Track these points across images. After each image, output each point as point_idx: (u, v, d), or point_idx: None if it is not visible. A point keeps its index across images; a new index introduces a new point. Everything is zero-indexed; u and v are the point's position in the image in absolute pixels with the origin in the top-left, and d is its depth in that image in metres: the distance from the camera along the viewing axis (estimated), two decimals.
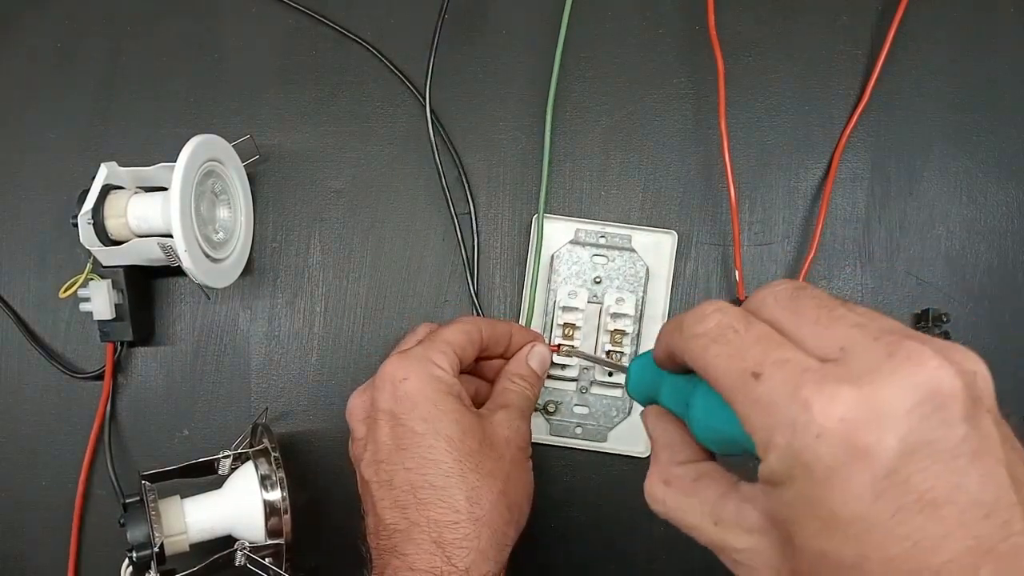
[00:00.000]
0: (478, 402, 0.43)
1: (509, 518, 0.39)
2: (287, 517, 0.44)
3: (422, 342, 0.41)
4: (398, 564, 0.37)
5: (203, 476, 0.46)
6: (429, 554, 0.36)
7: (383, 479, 0.39)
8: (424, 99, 0.51)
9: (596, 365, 0.49)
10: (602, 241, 0.50)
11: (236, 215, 0.49)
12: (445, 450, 0.38)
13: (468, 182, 0.52)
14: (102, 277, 0.47)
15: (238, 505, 0.44)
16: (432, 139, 0.51)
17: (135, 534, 0.42)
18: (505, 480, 0.39)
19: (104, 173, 0.45)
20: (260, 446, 0.46)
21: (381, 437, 0.39)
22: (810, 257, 0.50)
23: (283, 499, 0.44)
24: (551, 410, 0.50)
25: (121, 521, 0.43)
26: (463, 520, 0.37)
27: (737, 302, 0.50)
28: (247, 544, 0.44)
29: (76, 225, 0.45)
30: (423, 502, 0.37)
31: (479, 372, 0.46)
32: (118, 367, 0.51)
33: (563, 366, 0.49)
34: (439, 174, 0.51)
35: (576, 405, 0.50)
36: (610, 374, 0.49)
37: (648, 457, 0.35)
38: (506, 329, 0.45)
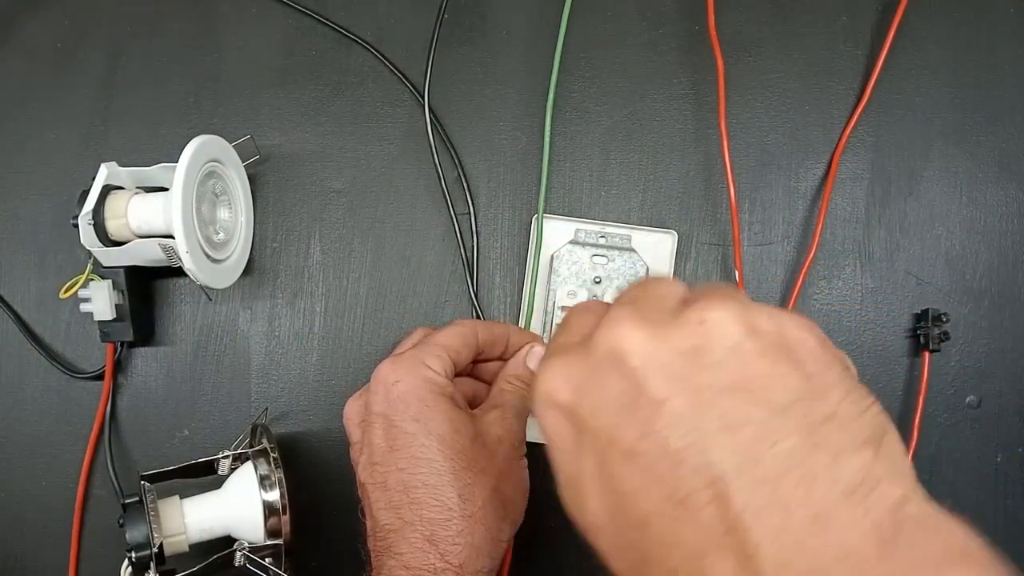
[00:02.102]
0: (477, 404, 0.43)
1: (503, 514, 0.39)
2: (286, 517, 0.44)
3: (416, 345, 0.42)
4: (393, 564, 0.37)
5: (203, 476, 0.46)
6: (423, 552, 0.37)
7: (378, 481, 0.39)
8: (424, 99, 0.51)
9: None
10: (602, 241, 0.50)
11: (236, 216, 0.49)
12: (437, 449, 0.38)
13: (468, 182, 0.52)
14: (102, 277, 0.47)
15: (237, 505, 0.44)
16: (432, 139, 0.51)
17: (134, 534, 0.42)
18: (498, 477, 0.39)
19: (104, 173, 0.45)
20: (259, 446, 0.46)
21: (375, 440, 0.39)
22: (810, 257, 0.50)
23: (282, 499, 0.44)
24: None
25: (120, 521, 0.43)
26: (456, 517, 0.37)
27: None
28: (246, 544, 0.44)
29: (76, 226, 0.45)
30: (416, 501, 0.38)
31: (478, 375, 0.46)
32: (118, 367, 0.51)
33: None
34: (439, 174, 0.51)
35: None
36: None
37: None
38: (503, 331, 0.45)
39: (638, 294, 0.29)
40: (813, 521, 0.21)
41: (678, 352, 0.25)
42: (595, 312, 0.30)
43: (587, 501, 0.27)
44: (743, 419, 0.23)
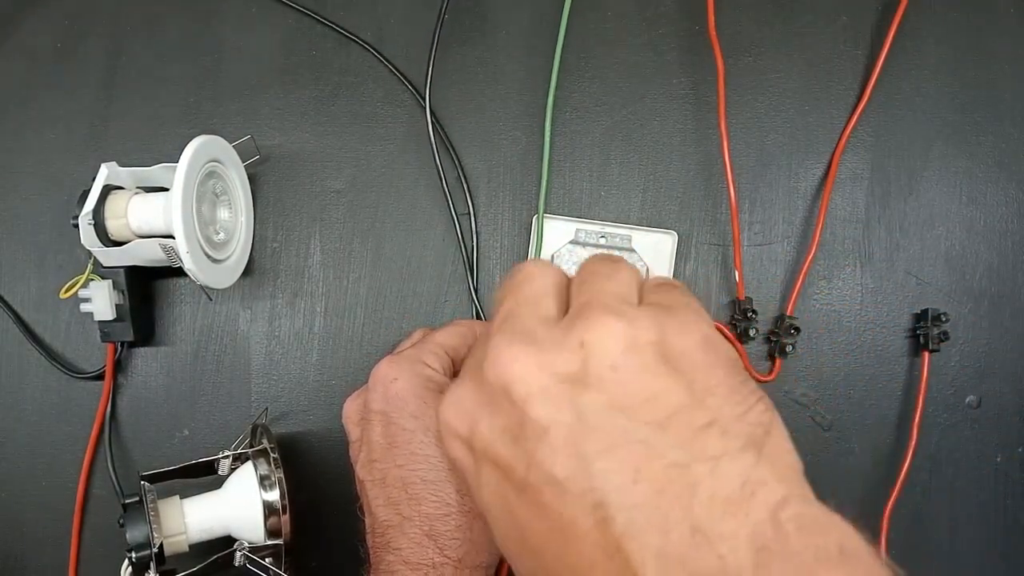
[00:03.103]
0: None
1: None
2: (286, 517, 0.44)
3: (415, 344, 0.42)
4: (392, 559, 0.37)
5: (203, 476, 0.46)
6: (421, 547, 0.37)
7: (376, 478, 0.39)
8: (424, 100, 0.51)
9: None
10: (602, 241, 0.50)
11: (237, 216, 0.49)
12: (434, 445, 0.38)
13: (468, 182, 0.52)
14: (103, 277, 0.47)
15: (237, 505, 0.44)
16: (432, 139, 0.51)
17: (134, 534, 0.42)
18: None
19: (104, 173, 0.45)
20: (259, 446, 0.46)
21: (374, 437, 0.39)
22: (810, 257, 0.50)
23: (282, 499, 0.44)
24: None
25: (120, 522, 0.43)
26: (454, 512, 0.37)
27: (736, 303, 0.50)
28: (246, 544, 0.44)
29: (76, 226, 0.45)
30: (414, 497, 0.38)
31: None
32: (118, 367, 0.51)
33: None
34: (439, 174, 0.51)
35: None
36: None
37: None
38: None
39: (512, 306, 0.28)
40: (692, 535, 0.21)
41: (560, 377, 0.25)
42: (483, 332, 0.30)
43: (492, 526, 0.28)
44: (622, 439, 0.23)
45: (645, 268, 0.50)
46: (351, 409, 0.42)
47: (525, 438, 0.25)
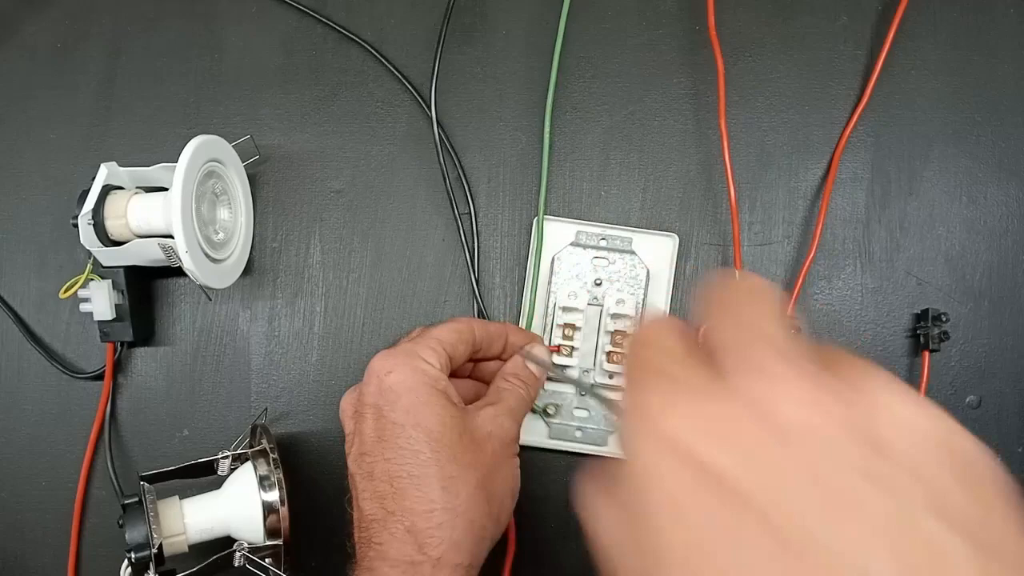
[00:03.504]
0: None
1: (487, 510, 0.39)
2: (285, 514, 0.44)
3: (412, 339, 0.42)
4: (373, 554, 0.37)
5: (202, 476, 0.46)
6: (401, 543, 0.37)
7: (365, 471, 0.39)
8: (428, 102, 0.51)
9: (596, 367, 0.49)
10: (603, 243, 0.50)
11: (236, 216, 0.49)
12: (424, 440, 0.38)
13: (468, 182, 0.52)
14: (102, 277, 0.47)
15: (237, 506, 0.44)
16: (436, 139, 0.51)
17: (134, 535, 0.42)
18: (485, 473, 0.39)
19: (104, 173, 0.45)
20: (259, 446, 0.46)
21: (366, 430, 0.39)
22: (810, 257, 0.50)
23: (281, 499, 0.44)
24: (551, 412, 0.50)
25: (120, 522, 0.43)
26: (437, 509, 0.37)
27: None
28: (246, 545, 0.44)
29: (76, 226, 0.45)
30: (399, 491, 0.38)
31: (478, 375, 0.46)
32: (118, 367, 0.51)
33: (563, 367, 0.49)
34: (442, 174, 0.51)
35: (576, 408, 0.50)
36: (611, 376, 0.49)
37: None
38: (500, 329, 0.45)
39: (746, 334, 0.23)
40: None
41: (851, 432, 0.20)
42: (684, 335, 0.24)
43: (645, 549, 0.22)
44: (942, 550, 0.19)
45: (645, 271, 0.50)
46: (346, 403, 0.42)
47: (825, 496, 0.19)
